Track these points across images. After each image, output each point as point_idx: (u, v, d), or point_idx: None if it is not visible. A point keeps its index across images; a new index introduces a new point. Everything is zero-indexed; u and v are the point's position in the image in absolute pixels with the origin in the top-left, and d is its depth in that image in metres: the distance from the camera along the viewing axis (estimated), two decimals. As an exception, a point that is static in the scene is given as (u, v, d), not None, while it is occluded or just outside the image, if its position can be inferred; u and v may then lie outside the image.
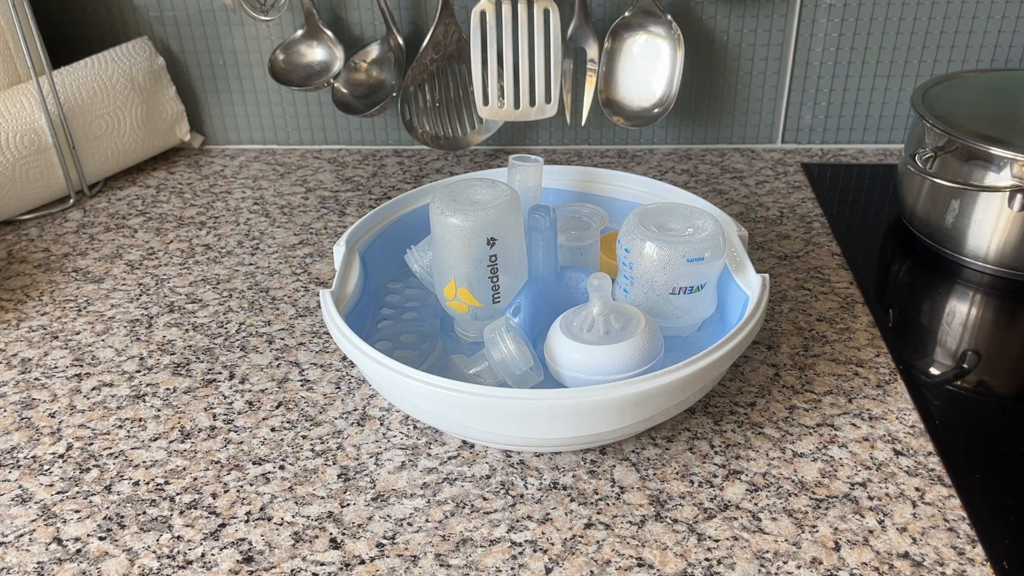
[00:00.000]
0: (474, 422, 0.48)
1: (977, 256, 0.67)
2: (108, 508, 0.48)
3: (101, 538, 0.47)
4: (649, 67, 0.79)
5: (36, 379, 0.58)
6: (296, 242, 0.74)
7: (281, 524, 0.47)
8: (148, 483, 0.50)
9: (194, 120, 0.89)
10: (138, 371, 0.59)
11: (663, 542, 0.46)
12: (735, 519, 0.47)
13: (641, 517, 0.47)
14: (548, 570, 0.44)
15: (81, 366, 0.60)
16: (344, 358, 0.60)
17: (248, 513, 0.48)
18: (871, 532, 0.46)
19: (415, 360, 0.54)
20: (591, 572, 0.44)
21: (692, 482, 0.49)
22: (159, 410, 0.55)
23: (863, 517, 0.47)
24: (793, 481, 0.49)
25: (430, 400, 0.47)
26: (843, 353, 0.59)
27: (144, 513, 0.48)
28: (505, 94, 0.78)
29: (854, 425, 0.53)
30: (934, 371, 0.58)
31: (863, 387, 0.56)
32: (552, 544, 0.46)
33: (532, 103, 0.78)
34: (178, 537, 0.47)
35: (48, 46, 0.76)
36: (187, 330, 0.63)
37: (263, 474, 0.51)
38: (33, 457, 0.52)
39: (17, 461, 0.52)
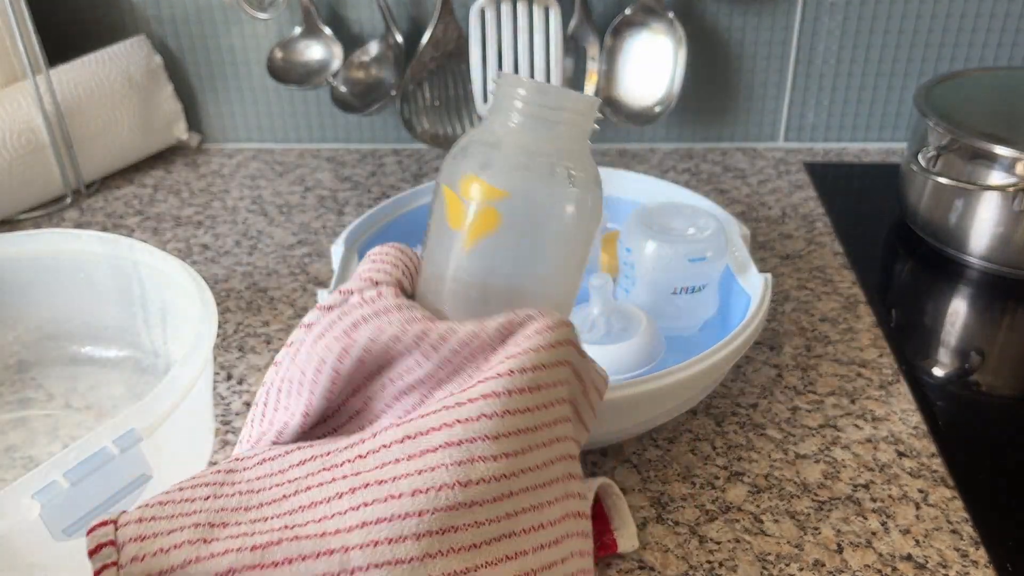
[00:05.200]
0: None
1: (981, 256, 0.66)
2: (104, 510, 0.48)
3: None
4: (650, 65, 0.79)
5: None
6: (294, 242, 0.73)
7: (278, 526, 0.47)
8: (144, 485, 0.50)
9: (192, 119, 0.89)
10: (135, 371, 0.59)
11: (664, 544, 0.45)
12: (737, 521, 0.46)
13: (642, 519, 0.47)
14: (548, 573, 0.44)
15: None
16: (342, 358, 0.59)
17: (245, 515, 0.48)
18: (874, 534, 0.45)
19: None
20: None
21: (694, 484, 0.49)
22: (156, 411, 0.55)
23: (866, 519, 0.46)
24: (795, 483, 0.49)
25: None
26: (846, 354, 0.58)
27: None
28: (505, 92, 0.78)
29: (857, 426, 0.52)
30: (937, 372, 0.58)
31: (866, 388, 0.55)
32: (552, 547, 0.45)
33: (532, 101, 0.78)
34: (174, 539, 0.46)
35: (45, 44, 0.76)
36: (184, 330, 0.63)
37: (260, 476, 0.50)
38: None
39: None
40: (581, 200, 0.40)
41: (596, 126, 0.41)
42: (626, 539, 0.45)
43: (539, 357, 0.37)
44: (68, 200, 0.80)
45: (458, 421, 0.35)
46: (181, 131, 0.86)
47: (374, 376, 0.39)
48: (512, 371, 0.36)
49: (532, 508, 0.36)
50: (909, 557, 0.44)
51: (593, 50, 0.79)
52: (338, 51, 0.82)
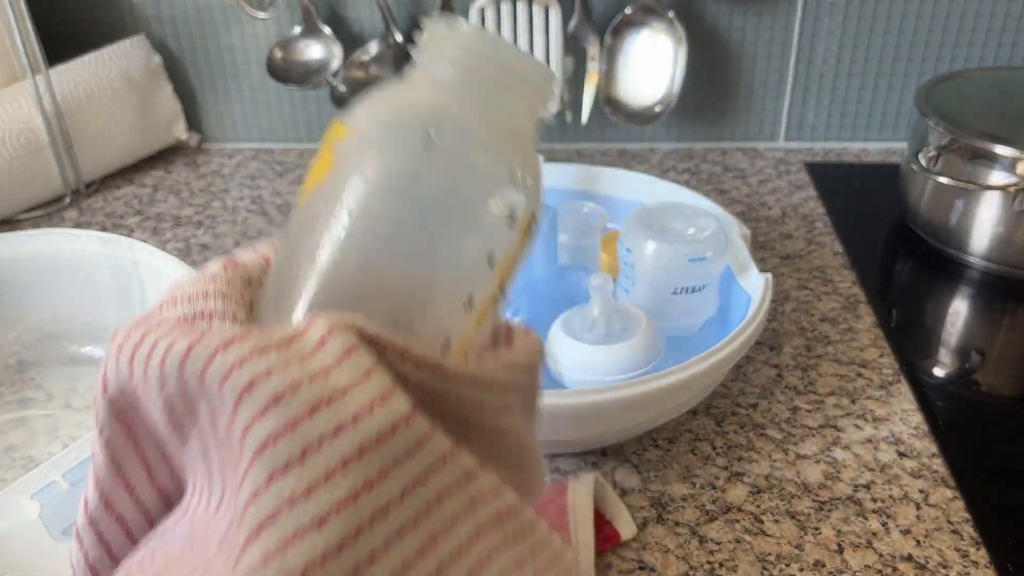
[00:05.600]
0: (473, 423, 0.47)
1: (981, 256, 0.66)
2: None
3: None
4: (650, 65, 0.79)
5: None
6: (294, 241, 0.73)
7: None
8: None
9: (191, 118, 0.88)
10: (135, 371, 0.58)
11: (665, 545, 0.45)
12: (737, 521, 0.46)
13: (643, 520, 0.47)
14: (548, 573, 0.44)
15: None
16: (342, 358, 0.59)
17: (245, 515, 0.48)
18: (874, 534, 0.45)
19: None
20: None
21: (694, 484, 0.49)
22: (156, 411, 0.55)
23: (866, 519, 0.46)
24: (796, 483, 0.49)
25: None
26: (846, 354, 0.58)
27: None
28: (505, 92, 0.78)
29: (857, 427, 0.52)
30: (938, 372, 0.58)
31: (866, 388, 0.55)
32: (552, 547, 0.45)
33: (532, 101, 0.78)
34: (174, 540, 0.46)
35: (45, 44, 0.76)
36: (184, 330, 0.62)
37: (260, 476, 0.50)
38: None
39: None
40: (477, 185, 0.28)
41: (548, 112, 0.30)
42: (625, 525, 0.44)
43: (317, 361, 0.24)
44: (68, 200, 0.79)
45: (246, 505, 0.22)
46: (181, 131, 0.86)
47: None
48: (282, 393, 0.23)
49: (418, 554, 0.24)
50: (910, 557, 0.44)
51: (593, 50, 0.79)
52: (338, 51, 0.82)
